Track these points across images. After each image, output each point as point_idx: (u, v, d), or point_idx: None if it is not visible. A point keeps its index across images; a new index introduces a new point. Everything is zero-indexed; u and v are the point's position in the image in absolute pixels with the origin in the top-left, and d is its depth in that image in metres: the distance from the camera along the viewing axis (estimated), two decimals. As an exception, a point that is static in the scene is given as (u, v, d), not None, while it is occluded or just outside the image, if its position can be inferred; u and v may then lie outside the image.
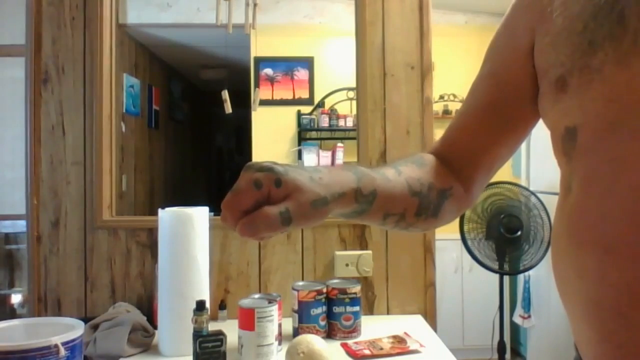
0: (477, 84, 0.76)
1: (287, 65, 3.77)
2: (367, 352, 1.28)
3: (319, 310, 1.39)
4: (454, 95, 3.93)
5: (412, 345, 1.31)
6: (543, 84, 0.63)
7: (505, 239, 2.57)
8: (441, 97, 3.91)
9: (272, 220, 0.51)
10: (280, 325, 1.32)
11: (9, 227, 2.85)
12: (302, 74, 3.78)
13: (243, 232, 0.51)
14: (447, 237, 3.07)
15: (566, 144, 0.59)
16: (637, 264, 0.50)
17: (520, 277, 3.27)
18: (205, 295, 1.31)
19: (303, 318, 1.38)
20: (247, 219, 0.51)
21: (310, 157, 3.70)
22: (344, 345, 1.33)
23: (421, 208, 0.68)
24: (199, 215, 1.33)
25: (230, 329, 1.24)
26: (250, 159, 3.72)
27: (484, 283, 3.27)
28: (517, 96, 0.70)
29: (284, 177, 0.53)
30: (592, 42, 0.55)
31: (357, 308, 1.42)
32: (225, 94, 2.14)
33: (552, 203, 2.59)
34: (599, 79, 0.54)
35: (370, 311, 1.62)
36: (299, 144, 3.74)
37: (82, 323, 1.09)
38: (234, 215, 0.52)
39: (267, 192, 0.52)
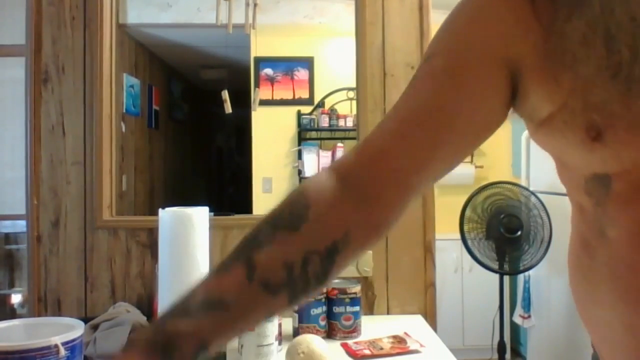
0: (421, 82, 0.61)
1: (287, 65, 3.77)
2: (367, 352, 1.28)
3: (319, 310, 1.39)
4: (454, 95, 3.93)
5: (412, 345, 1.31)
6: (562, 120, 0.55)
7: (505, 239, 2.57)
8: (441, 97, 3.91)
9: None
10: (280, 325, 1.32)
11: (9, 227, 2.85)
12: (302, 74, 3.78)
13: None
14: (447, 237, 3.07)
15: (594, 188, 0.57)
16: None
17: (520, 277, 3.27)
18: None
19: (303, 318, 1.38)
20: None
21: (310, 157, 3.70)
22: (344, 345, 1.33)
23: (295, 295, 0.56)
24: (199, 215, 1.33)
25: (230, 329, 1.24)
26: (250, 158, 3.72)
27: (484, 283, 3.27)
28: (477, 104, 0.59)
29: None
30: (627, 78, 0.50)
31: (357, 308, 1.42)
32: (225, 94, 2.14)
33: (552, 203, 2.59)
34: (636, 129, 0.50)
35: (370, 311, 1.62)
36: (299, 144, 3.74)
37: (82, 323, 1.09)
38: None
39: None
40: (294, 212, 0.57)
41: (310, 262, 0.56)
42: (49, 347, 0.97)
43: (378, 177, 0.59)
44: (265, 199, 3.65)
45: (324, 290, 1.42)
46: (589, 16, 0.53)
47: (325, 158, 3.71)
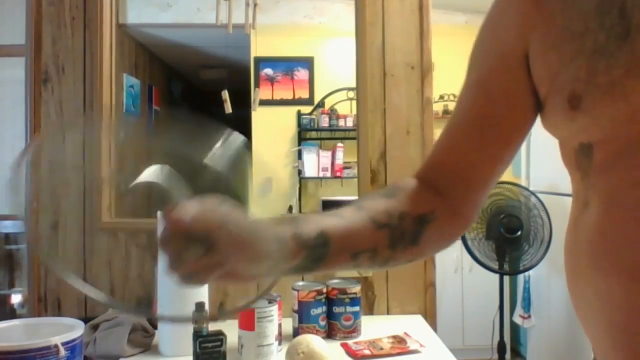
0: (462, 95, 0.70)
1: (287, 65, 3.77)
2: (367, 352, 1.28)
3: (319, 310, 1.39)
4: (454, 95, 3.93)
5: (412, 345, 1.31)
6: (551, 96, 0.60)
7: (505, 239, 2.57)
8: (441, 97, 3.91)
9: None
10: (280, 325, 1.32)
11: (9, 227, 2.85)
12: (302, 74, 3.78)
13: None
14: (447, 237, 3.07)
15: (580, 160, 0.58)
16: None
17: (520, 277, 3.27)
18: (204, 297, 1.31)
19: (303, 318, 1.38)
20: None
21: (310, 157, 3.70)
22: (344, 345, 1.33)
23: (394, 239, 0.64)
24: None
25: (230, 329, 1.24)
26: (250, 159, 3.72)
27: (484, 283, 3.27)
28: (509, 106, 0.65)
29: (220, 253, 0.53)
30: (596, 47, 0.53)
31: (357, 308, 1.42)
32: (225, 94, 2.14)
33: (552, 203, 2.59)
34: (611, 95, 0.52)
35: (370, 311, 1.62)
36: (299, 144, 3.74)
37: (82, 323, 1.09)
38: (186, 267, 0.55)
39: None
40: (393, 187, 0.70)
41: (405, 219, 0.65)
42: (49, 347, 0.97)
43: (446, 179, 0.70)
44: (265, 199, 3.65)
45: (324, 290, 1.42)
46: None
47: (325, 158, 3.71)
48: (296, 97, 3.79)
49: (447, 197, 0.69)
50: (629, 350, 0.53)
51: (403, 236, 0.65)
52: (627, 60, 0.51)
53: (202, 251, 0.52)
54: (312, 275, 1.61)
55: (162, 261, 1.33)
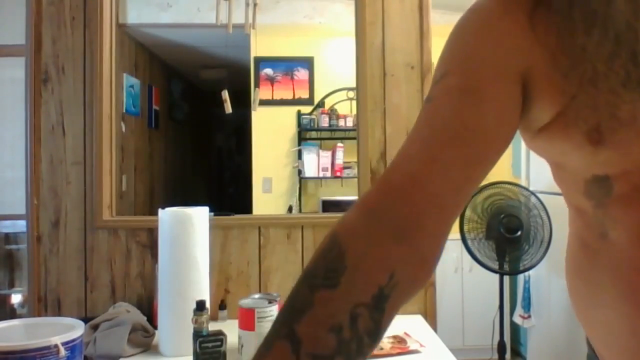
0: (440, 101, 0.58)
1: (287, 65, 3.77)
2: (367, 352, 1.28)
3: (319, 310, 1.39)
4: (454, 95, 3.93)
5: (412, 345, 1.31)
6: (563, 127, 0.56)
7: (505, 239, 2.57)
8: (441, 97, 3.91)
9: None
10: (280, 325, 1.32)
11: (9, 227, 2.85)
12: (302, 74, 3.78)
13: None
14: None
15: (593, 190, 0.58)
16: None
17: (520, 277, 3.27)
18: (205, 295, 1.31)
19: (303, 318, 1.38)
20: None
21: (310, 157, 3.70)
22: (344, 345, 1.33)
23: (351, 356, 0.48)
24: (199, 215, 1.33)
25: (230, 329, 1.24)
26: (250, 159, 3.72)
27: (484, 283, 3.27)
28: (500, 120, 0.57)
29: None
30: (614, 88, 0.52)
31: (357, 308, 1.42)
32: (225, 94, 2.14)
33: (552, 203, 2.59)
34: (635, 132, 0.52)
35: (370, 311, 1.62)
36: (299, 144, 3.74)
37: (82, 323, 1.09)
38: None
39: None
40: (329, 266, 0.51)
41: (359, 317, 0.49)
42: (49, 347, 0.98)
43: (415, 204, 0.53)
44: (265, 199, 3.65)
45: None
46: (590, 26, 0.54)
47: (325, 158, 3.71)
48: (296, 97, 3.79)
49: (413, 237, 0.52)
50: None
51: (360, 344, 0.49)
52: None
53: None
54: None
55: (162, 259, 1.33)
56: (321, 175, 3.72)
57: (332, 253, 0.51)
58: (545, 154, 0.61)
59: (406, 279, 0.52)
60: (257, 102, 2.72)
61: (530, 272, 2.92)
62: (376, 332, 0.51)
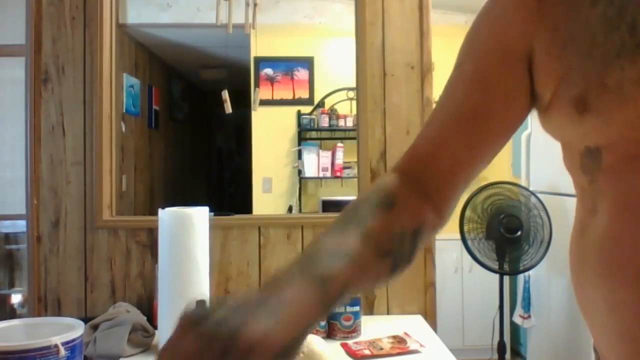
0: (455, 87, 0.67)
1: (287, 65, 3.77)
2: (367, 352, 1.28)
3: (319, 310, 1.39)
4: (454, 95, 3.93)
5: (412, 345, 1.31)
6: (557, 100, 0.59)
7: (505, 239, 2.57)
8: (441, 97, 3.91)
9: None
10: (280, 325, 1.32)
11: (9, 227, 2.85)
12: (302, 74, 3.78)
13: None
14: (447, 237, 3.07)
15: (587, 163, 0.58)
16: None
17: (520, 277, 3.27)
18: (205, 295, 1.31)
19: (303, 318, 1.38)
20: None
21: (310, 157, 3.70)
22: (344, 345, 1.33)
23: (395, 265, 0.62)
24: (199, 215, 1.33)
25: (230, 329, 1.24)
26: (250, 159, 3.72)
27: (484, 283, 3.27)
28: (506, 103, 0.64)
29: (234, 342, 0.45)
30: (606, 57, 0.53)
31: (357, 308, 1.42)
32: (225, 94, 2.14)
33: (552, 203, 2.59)
34: (620, 99, 0.52)
35: (370, 311, 1.62)
36: (299, 144, 3.74)
37: (82, 323, 1.09)
38: None
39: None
40: (387, 195, 0.64)
41: (404, 240, 0.62)
42: (49, 347, 0.97)
43: (432, 178, 0.66)
44: (265, 199, 3.66)
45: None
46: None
47: (325, 158, 3.71)
48: (296, 97, 3.79)
49: (431, 198, 0.66)
50: None
51: (402, 259, 0.63)
52: (629, 64, 0.51)
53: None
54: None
55: (162, 259, 1.33)
56: (321, 175, 3.72)
57: (386, 191, 0.65)
58: (553, 134, 0.63)
59: (430, 225, 0.66)
60: (257, 102, 2.73)
61: (530, 272, 2.92)
62: (410, 255, 0.63)
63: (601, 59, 0.53)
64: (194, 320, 0.47)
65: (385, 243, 0.60)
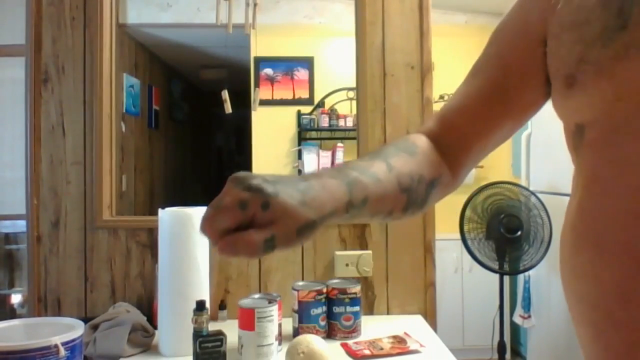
0: (481, 64, 0.74)
1: (287, 65, 3.77)
2: (367, 352, 1.28)
3: (319, 310, 1.39)
4: (454, 95, 3.92)
5: (412, 345, 1.31)
6: (554, 79, 0.62)
7: (505, 239, 2.57)
8: (441, 97, 3.91)
9: (255, 247, 0.50)
10: (280, 325, 1.32)
11: (9, 227, 2.85)
12: (302, 74, 3.78)
13: (222, 252, 0.50)
14: (447, 237, 3.07)
15: (575, 141, 0.59)
16: (626, 263, 0.49)
17: (520, 277, 3.27)
18: (205, 295, 1.31)
19: (303, 318, 1.38)
20: (229, 240, 0.50)
21: (310, 157, 3.70)
22: (344, 345, 1.33)
23: (409, 203, 0.67)
24: (199, 215, 1.33)
25: (230, 329, 1.24)
26: (250, 159, 3.72)
27: (484, 283, 3.27)
28: (522, 82, 0.68)
29: (274, 199, 0.50)
30: (594, 36, 0.54)
31: (357, 308, 1.42)
32: (225, 94, 2.14)
33: (552, 203, 2.58)
34: (603, 75, 0.53)
35: (370, 311, 1.62)
36: (299, 144, 3.74)
37: (82, 323, 1.09)
38: (214, 233, 0.50)
39: (252, 214, 0.50)
40: (412, 144, 0.72)
41: (421, 183, 0.68)
42: (49, 347, 0.97)
43: (451, 143, 0.74)
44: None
45: (324, 290, 1.42)
46: None
47: (325, 158, 3.71)
48: (296, 97, 3.79)
49: (448, 159, 0.73)
50: (593, 327, 0.53)
51: (416, 200, 0.68)
52: (618, 46, 0.52)
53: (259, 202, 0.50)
54: (313, 274, 1.61)
55: (162, 259, 1.33)
56: (321, 175, 3.72)
57: (411, 141, 0.73)
58: (558, 112, 0.65)
59: (445, 182, 0.72)
60: (257, 102, 2.72)
61: (530, 272, 2.92)
62: (423, 202, 0.69)
63: (590, 37, 0.55)
64: (245, 176, 0.52)
65: (404, 179, 0.66)
